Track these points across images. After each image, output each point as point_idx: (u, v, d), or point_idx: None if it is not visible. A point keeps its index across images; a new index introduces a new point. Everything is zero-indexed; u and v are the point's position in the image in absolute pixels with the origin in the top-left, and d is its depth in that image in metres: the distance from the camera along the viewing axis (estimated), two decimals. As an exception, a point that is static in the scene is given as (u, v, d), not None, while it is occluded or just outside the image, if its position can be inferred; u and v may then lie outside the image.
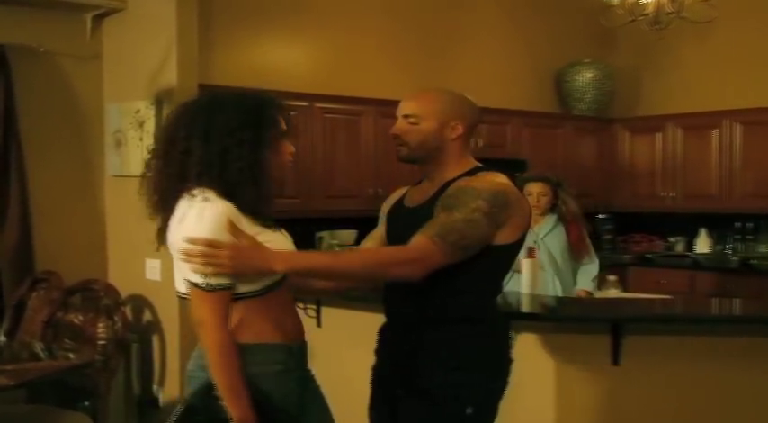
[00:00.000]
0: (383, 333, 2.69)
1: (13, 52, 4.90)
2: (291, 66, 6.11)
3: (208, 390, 2.21)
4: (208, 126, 2.24)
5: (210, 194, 2.21)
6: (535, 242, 4.59)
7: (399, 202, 2.73)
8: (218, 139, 2.23)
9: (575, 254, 4.79)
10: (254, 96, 2.36)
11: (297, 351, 2.33)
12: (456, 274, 2.41)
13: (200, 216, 2.17)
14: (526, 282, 4.14)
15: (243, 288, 2.23)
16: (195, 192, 2.22)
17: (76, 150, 5.26)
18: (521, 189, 4.47)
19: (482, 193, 2.40)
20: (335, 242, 5.92)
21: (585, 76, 7.66)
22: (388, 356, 2.64)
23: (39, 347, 4.57)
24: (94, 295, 4.62)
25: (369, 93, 6.08)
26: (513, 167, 6.88)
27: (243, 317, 2.23)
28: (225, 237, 2.17)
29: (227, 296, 2.20)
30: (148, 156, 2.37)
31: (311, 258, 2.37)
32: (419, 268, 2.32)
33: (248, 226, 2.23)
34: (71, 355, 4.51)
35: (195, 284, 2.19)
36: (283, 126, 2.36)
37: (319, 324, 4.28)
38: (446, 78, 6.88)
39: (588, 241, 4.88)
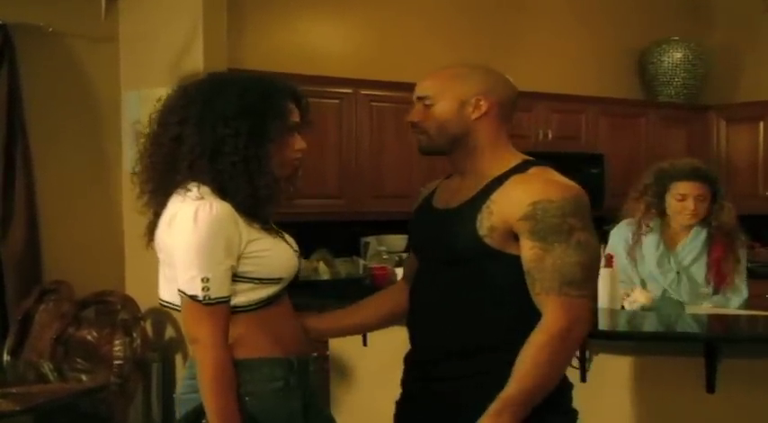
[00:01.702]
0: (410, 363, 2.64)
1: (18, 33, 4.99)
2: (333, 47, 6.17)
3: (197, 415, 2.25)
4: (204, 111, 2.28)
5: (206, 191, 2.24)
6: (678, 273, 4.20)
7: (427, 202, 2.66)
8: (213, 127, 2.26)
9: (714, 282, 4.16)
10: (263, 81, 2.37)
11: (299, 366, 2.37)
12: (494, 294, 2.41)
13: (194, 219, 2.20)
14: (603, 295, 4.11)
15: (239, 300, 2.27)
16: (190, 186, 2.26)
17: (90, 144, 5.34)
18: (665, 189, 4.26)
19: (564, 206, 2.33)
20: (383, 249, 5.94)
21: (674, 57, 7.59)
22: (420, 392, 2.57)
23: (47, 368, 4.63)
24: (110, 309, 4.68)
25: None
26: (588, 163, 6.88)
27: (239, 332, 2.28)
28: (221, 245, 2.20)
29: (227, 309, 2.24)
30: (142, 142, 2.41)
31: (513, 405, 2.29)
32: (581, 329, 2.33)
33: (245, 230, 2.26)
34: (83, 377, 4.58)
35: (192, 297, 2.21)
36: (295, 118, 2.38)
37: (365, 342, 4.30)
38: (508, 61, 6.85)
39: (743, 266, 4.21)
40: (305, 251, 6.07)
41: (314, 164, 5.78)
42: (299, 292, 6.03)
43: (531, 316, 2.34)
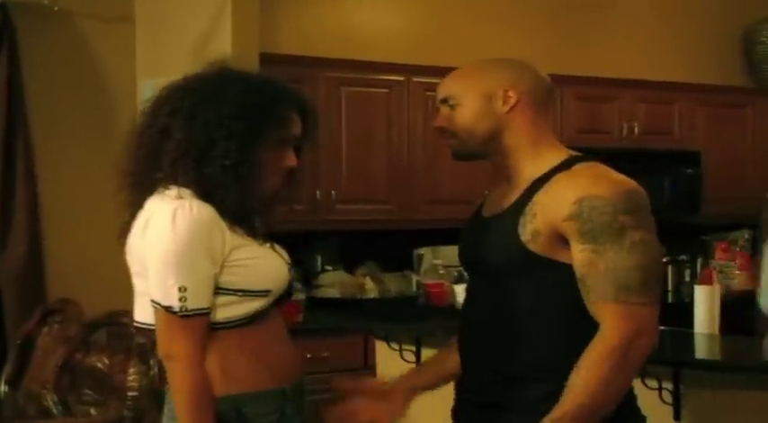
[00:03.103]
0: (460, 390, 2.70)
1: (19, 12, 5.03)
2: (381, 28, 6.18)
3: None
4: (198, 106, 2.35)
5: (186, 192, 2.30)
6: None
7: (476, 212, 2.76)
8: (205, 126, 2.33)
9: None
10: (270, 85, 2.44)
11: (293, 392, 2.42)
12: (546, 310, 2.45)
13: (172, 220, 2.25)
14: (701, 316, 4.07)
15: (220, 316, 2.32)
16: (171, 187, 2.32)
17: (101, 140, 5.37)
18: None
19: (614, 203, 2.38)
20: (440, 262, 5.93)
21: (785, 36, 7.52)
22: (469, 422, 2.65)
23: (51, 400, 4.67)
24: (124, 332, 4.71)
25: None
26: (682, 162, 6.81)
27: (219, 355, 2.32)
28: (202, 251, 2.25)
29: (205, 323, 2.29)
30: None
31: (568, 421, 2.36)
32: (645, 342, 2.36)
33: (228, 236, 2.30)
34: (93, 411, 4.60)
35: (167, 308, 2.27)
36: (295, 131, 2.44)
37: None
38: (584, 42, 6.83)
39: None
40: (349, 264, 6.16)
41: (359, 163, 5.80)
42: (343, 312, 6.00)
43: (592, 336, 2.37)
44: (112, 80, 5.38)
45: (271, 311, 2.40)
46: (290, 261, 2.50)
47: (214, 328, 2.31)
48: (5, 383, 4.81)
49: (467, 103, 2.56)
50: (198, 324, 2.28)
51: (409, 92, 5.90)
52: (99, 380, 4.69)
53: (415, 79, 5.92)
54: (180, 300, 2.25)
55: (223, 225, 2.29)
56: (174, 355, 2.27)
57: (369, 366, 5.10)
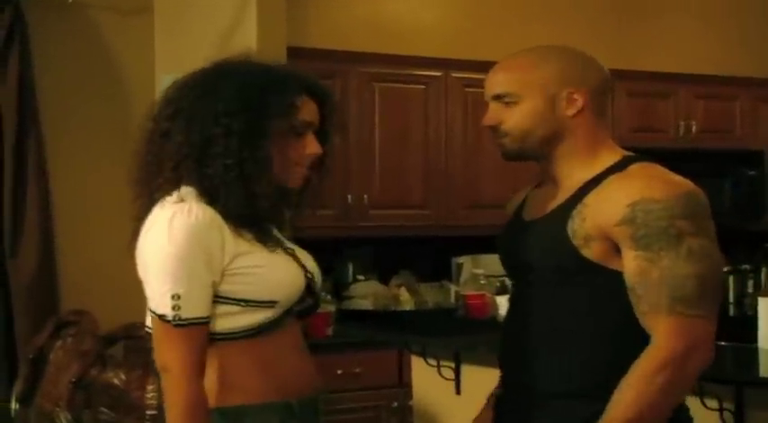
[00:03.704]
0: (501, 408, 2.70)
1: (30, 6, 5.07)
2: (418, 21, 6.18)
3: None
4: (196, 105, 2.38)
5: (190, 194, 2.33)
6: None
7: (517, 214, 2.74)
8: (202, 125, 2.35)
9: None
10: (271, 73, 2.44)
11: (301, 409, 2.42)
12: (596, 321, 2.44)
13: (169, 224, 2.28)
14: (765, 331, 4.05)
15: (222, 326, 2.34)
16: (172, 193, 2.35)
17: (118, 141, 5.38)
18: None
19: (671, 206, 2.37)
20: (480, 272, 5.92)
21: None
22: None
23: (64, 419, 4.69)
24: (142, 346, 4.72)
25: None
26: (744, 163, 6.77)
27: (221, 367, 2.34)
28: (199, 257, 2.27)
29: (202, 333, 2.31)
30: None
31: None
32: (699, 358, 2.35)
33: (232, 241, 2.32)
34: (109, 430, 4.63)
35: (161, 317, 2.30)
36: (306, 116, 2.43)
37: (459, 390, 4.30)
38: (637, 35, 6.80)
39: None
40: (382, 274, 6.15)
41: (393, 165, 5.80)
42: (376, 326, 6.00)
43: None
44: (130, 75, 5.41)
45: (283, 323, 2.39)
46: (314, 270, 2.50)
47: (215, 339, 2.33)
48: (16, 401, 4.83)
49: (526, 102, 2.54)
50: (194, 334, 2.29)
51: (447, 88, 5.91)
52: (115, 397, 4.71)
53: (453, 74, 5.92)
54: (173, 308, 2.27)
55: (226, 230, 2.31)
56: (169, 366, 2.29)
57: (404, 384, 5.11)
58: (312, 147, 2.44)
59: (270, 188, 2.37)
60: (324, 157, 2.48)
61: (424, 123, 5.85)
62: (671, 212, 2.36)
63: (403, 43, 5.90)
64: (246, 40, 4.94)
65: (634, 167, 2.49)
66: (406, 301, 5.71)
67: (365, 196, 5.65)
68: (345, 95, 5.56)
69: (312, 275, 2.49)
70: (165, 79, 5.35)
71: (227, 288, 2.32)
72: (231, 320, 2.34)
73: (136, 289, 5.54)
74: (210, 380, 2.33)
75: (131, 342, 4.80)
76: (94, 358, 4.81)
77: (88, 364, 4.80)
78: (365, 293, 5.71)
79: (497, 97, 2.60)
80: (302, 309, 2.46)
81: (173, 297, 2.27)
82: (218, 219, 2.30)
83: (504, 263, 2.74)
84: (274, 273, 2.38)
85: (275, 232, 2.46)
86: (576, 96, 2.52)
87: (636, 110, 6.50)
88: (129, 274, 5.72)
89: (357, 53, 5.70)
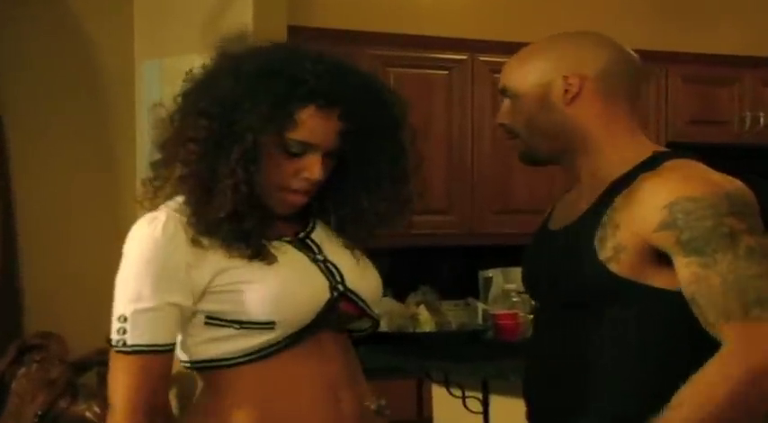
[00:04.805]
0: None
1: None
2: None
3: None
4: (185, 102, 2.40)
5: (171, 204, 2.35)
6: None
7: (543, 223, 2.76)
8: (181, 127, 2.37)
9: None
10: (260, 67, 2.39)
11: None
12: (631, 348, 2.43)
13: (130, 238, 2.33)
14: None
15: (215, 351, 2.33)
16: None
17: (91, 138, 5.42)
18: None
19: (715, 204, 2.36)
20: (513, 287, 5.90)
21: None
22: None
23: (30, 457, 4.71)
24: (118, 373, 4.73)
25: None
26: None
27: (210, 401, 2.34)
28: (152, 274, 2.26)
29: (154, 364, 2.29)
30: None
31: None
32: None
33: (212, 255, 2.30)
34: (81, 472, 4.64)
35: (108, 341, 2.30)
36: (304, 136, 2.35)
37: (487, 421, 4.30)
38: (694, 12, 6.78)
39: None
40: (399, 290, 6.13)
41: (412, 163, 5.80)
42: (391, 350, 6.03)
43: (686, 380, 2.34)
44: (105, 60, 5.44)
45: (291, 347, 2.36)
46: (356, 284, 2.48)
47: (211, 368, 2.34)
48: (-26, 436, 4.85)
49: (523, 94, 2.58)
50: (141, 364, 2.28)
51: (473, 73, 5.91)
52: (88, 433, 4.72)
53: (480, 58, 5.93)
54: (118, 331, 2.28)
55: (202, 243, 2.30)
56: (111, 401, 2.29)
57: (424, 417, 5.10)
58: (312, 171, 2.38)
59: (246, 207, 2.33)
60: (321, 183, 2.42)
61: (446, 115, 5.85)
62: (716, 210, 2.36)
63: (422, 22, 5.89)
64: (241, 18, 4.94)
65: (668, 164, 2.48)
66: (426, 322, 5.70)
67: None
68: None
69: (348, 291, 2.45)
70: (145, 64, 5.37)
71: (215, 308, 2.31)
72: (226, 345, 2.33)
73: (109, 309, 5.57)
74: (194, 414, 2.36)
75: (106, 369, 4.79)
76: (63, 388, 4.82)
77: (56, 394, 4.81)
78: (379, 313, 5.69)
79: (502, 92, 2.65)
80: (340, 327, 2.45)
81: (118, 319, 2.28)
82: (182, 230, 2.29)
83: (525, 280, 2.75)
84: (268, 290, 2.33)
85: (311, 234, 2.46)
86: (571, 81, 2.54)
87: (693, 99, 6.49)
88: (104, 292, 5.74)
89: (368, 33, 5.69)
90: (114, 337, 2.28)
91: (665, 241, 2.37)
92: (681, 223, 2.36)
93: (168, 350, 2.31)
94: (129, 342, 2.27)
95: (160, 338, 2.29)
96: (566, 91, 2.54)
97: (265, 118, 2.33)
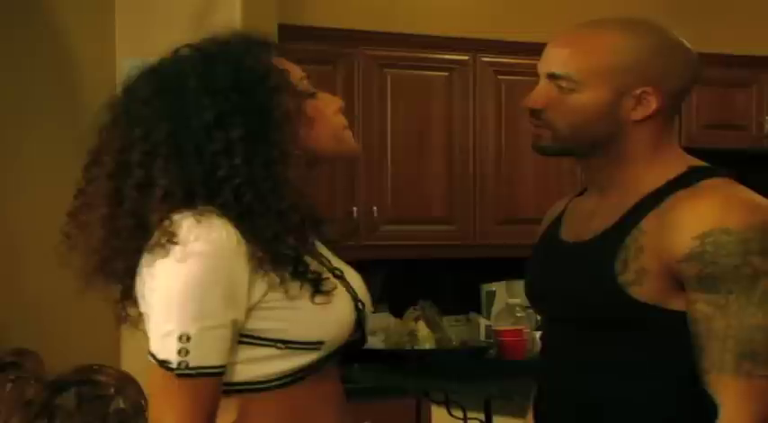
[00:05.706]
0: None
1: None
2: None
3: None
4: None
5: (209, 211, 2.26)
6: None
7: (552, 231, 2.68)
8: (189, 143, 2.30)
9: None
10: (227, 50, 2.41)
11: None
12: (655, 376, 2.42)
13: (182, 245, 2.20)
14: None
15: (252, 373, 2.28)
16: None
17: (67, 140, 5.41)
18: None
19: (746, 239, 2.32)
20: (517, 302, 5.90)
21: None
22: None
23: (4, 483, 4.70)
24: (100, 393, 4.74)
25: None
26: None
27: None
28: (218, 288, 2.20)
29: (213, 387, 2.24)
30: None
31: None
32: None
33: (262, 273, 2.26)
34: (59, 498, 4.63)
35: (163, 363, 2.21)
36: (296, 79, 2.36)
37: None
38: (710, 10, 6.80)
39: None
40: (396, 304, 6.14)
41: (410, 171, 5.81)
42: (389, 368, 6.01)
43: (712, 412, 2.34)
44: (83, 58, 5.44)
45: (323, 370, 2.34)
46: (365, 297, 2.47)
47: (232, 392, 2.28)
48: (-56, 462, 4.86)
49: (587, 93, 2.45)
50: (203, 387, 2.22)
51: (476, 75, 5.91)
52: (67, 457, 4.73)
53: (483, 58, 5.94)
54: (179, 353, 2.19)
55: (259, 254, 2.24)
56: None
57: (423, 440, 5.11)
58: (335, 102, 2.42)
59: (292, 204, 2.30)
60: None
61: (446, 119, 5.86)
62: (746, 247, 2.32)
63: (420, 20, 5.91)
64: (228, 12, 4.97)
65: (706, 183, 2.43)
66: (425, 339, 5.70)
67: (375, 209, 5.66)
68: (349, 85, 5.57)
69: (363, 305, 2.45)
70: (126, 63, 5.37)
71: (258, 326, 2.26)
72: (266, 366, 2.28)
73: (92, 324, 5.58)
74: None
75: (86, 389, 4.80)
76: (40, 409, 4.82)
77: (32, 415, 4.81)
78: (375, 329, 5.71)
79: (553, 77, 2.48)
80: (347, 346, 2.40)
81: (179, 339, 2.19)
82: (243, 242, 2.23)
83: (531, 294, 2.71)
84: (322, 306, 2.32)
85: (319, 248, 2.42)
86: (650, 98, 2.44)
87: (709, 102, 6.46)
88: (83, 307, 5.74)
89: (364, 32, 5.71)
90: (174, 358, 2.19)
91: (687, 272, 2.34)
92: (708, 257, 2.32)
93: (222, 372, 2.25)
94: (193, 364, 2.20)
95: (222, 359, 2.23)
96: (639, 105, 2.45)
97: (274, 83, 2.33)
